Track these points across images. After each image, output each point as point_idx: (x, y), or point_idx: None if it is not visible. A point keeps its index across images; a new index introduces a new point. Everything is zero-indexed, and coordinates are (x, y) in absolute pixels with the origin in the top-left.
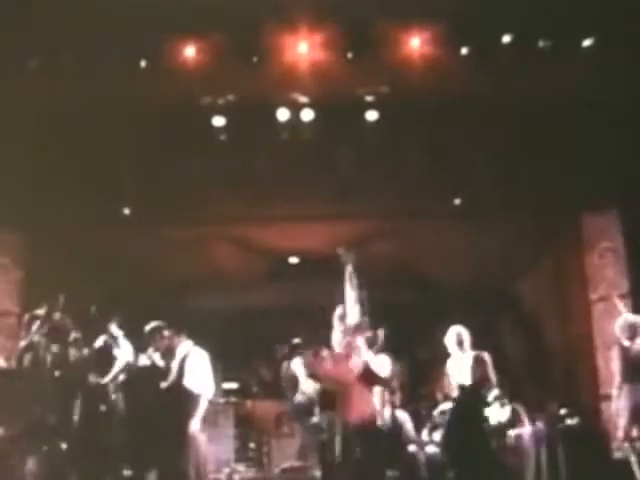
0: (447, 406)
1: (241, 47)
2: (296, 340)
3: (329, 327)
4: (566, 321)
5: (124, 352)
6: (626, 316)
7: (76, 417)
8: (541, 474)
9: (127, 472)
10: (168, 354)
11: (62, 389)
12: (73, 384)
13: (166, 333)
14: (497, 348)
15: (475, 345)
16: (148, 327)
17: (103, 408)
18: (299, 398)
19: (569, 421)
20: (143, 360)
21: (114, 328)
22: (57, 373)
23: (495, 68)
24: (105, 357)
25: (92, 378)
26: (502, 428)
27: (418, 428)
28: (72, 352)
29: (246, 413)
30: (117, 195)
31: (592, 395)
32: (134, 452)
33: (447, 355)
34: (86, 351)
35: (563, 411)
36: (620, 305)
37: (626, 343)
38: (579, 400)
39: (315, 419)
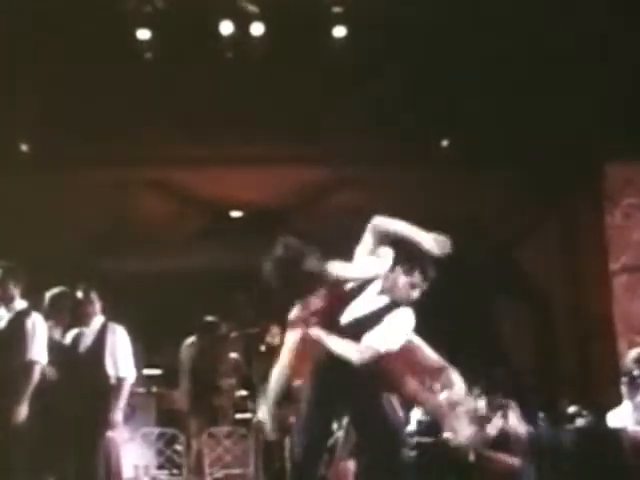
0: None
1: None
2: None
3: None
4: (579, 297)
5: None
6: None
7: None
8: None
9: None
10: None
11: None
12: None
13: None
14: (491, 330)
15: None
16: (49, 294)
17: None
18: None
19: (580, 421)
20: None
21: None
22: None
23: None
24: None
25: None
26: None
27: None
28: None
29: (172, 407)
30: (11, 128)
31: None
32: (25, 456)
33: None
34: None
35: (573, 409)
36: None
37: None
38: (593, 396)
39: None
